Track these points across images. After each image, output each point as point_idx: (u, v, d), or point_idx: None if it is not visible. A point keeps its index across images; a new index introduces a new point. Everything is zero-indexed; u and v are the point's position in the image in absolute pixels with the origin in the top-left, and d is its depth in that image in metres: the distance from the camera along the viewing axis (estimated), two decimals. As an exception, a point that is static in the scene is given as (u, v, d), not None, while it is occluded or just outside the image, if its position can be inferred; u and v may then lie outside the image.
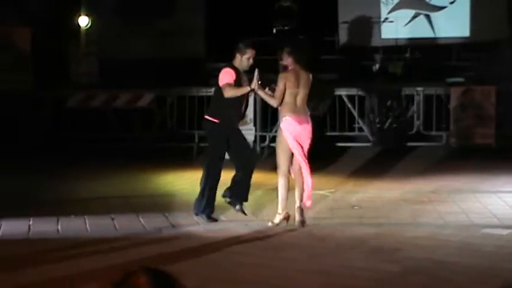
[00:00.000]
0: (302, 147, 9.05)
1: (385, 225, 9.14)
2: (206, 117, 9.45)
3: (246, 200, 9.49)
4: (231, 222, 9.36)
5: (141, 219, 9.50)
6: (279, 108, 9.28)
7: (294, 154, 9.08)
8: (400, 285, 6.94)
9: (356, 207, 10.15)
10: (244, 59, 9.31)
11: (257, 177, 10.61)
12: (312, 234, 8.74)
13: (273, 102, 9.24)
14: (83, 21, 17.51)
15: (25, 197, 11.07)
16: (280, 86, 9.04)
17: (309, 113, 9.27)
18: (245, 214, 9.44)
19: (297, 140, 9.02)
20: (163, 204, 10.40)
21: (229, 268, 7.45)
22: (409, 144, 15.39)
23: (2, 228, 9.09)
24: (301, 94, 9.10)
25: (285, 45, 9.45)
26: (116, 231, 9.04)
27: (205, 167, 9.46)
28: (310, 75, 9.21)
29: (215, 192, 9.37)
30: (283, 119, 9.10)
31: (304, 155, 9.05)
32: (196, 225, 9.19)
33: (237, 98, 9.26)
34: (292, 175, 9.19)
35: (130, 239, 8.63)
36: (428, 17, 17.77)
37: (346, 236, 8.65)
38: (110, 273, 1.75)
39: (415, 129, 15.69)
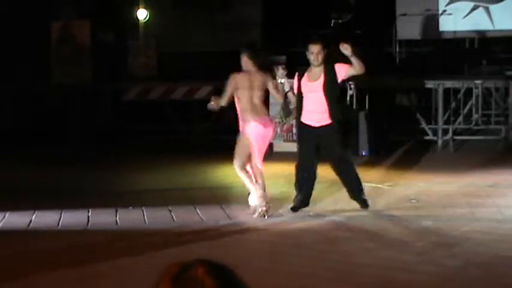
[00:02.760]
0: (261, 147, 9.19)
1: (443, 219, 9.06)
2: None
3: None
4: (287, 215, 9.37)
5: (199, 211, 9.57)
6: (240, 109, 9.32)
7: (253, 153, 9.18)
8: (460, 280, 6.87)
9: (413, 201, 10.07)
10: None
11: (323, 171, 10.59)
12: (368, 228, 8.70)
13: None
14: (142, 14, 17.65)
15: (83, 189, 11.22)
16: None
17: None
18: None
19: (259, 141, 9.15)
20: (220, 196, 10.45)
21: (285, 261, 7.45)
22: (467, 137, 15.21)
23: (61, 220, 9.23)
24: (257, 95, 9.21)
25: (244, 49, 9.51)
26: (173, 223, 9.12)
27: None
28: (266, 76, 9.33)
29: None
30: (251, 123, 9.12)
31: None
32: (253, 218, 9.21)
33: None
34: (251, 171, 9.25)
35: (188, 231, 8.69)
36: (487, 9, 17.51)
37: (403, 230, 8.59)
38: (168, 265, 1.77)
39: (473, 123, 15.49)
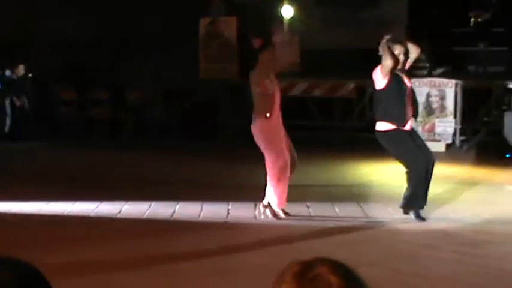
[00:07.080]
0: None
1: None
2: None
3: (425, 204, 8.93)
4: (426, 216, 9.22)
5: (336, 208, 9.57)
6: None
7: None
8: None
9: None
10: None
11: (459, 172, 10.35)
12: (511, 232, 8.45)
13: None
14: (287, 11, 17.77)
15: (226, 182, 11.41)
16: None
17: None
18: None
19: None
20: (358, 194, 10.42)
21: (421, 262, 7.32)
22: None
23: (202, 212, 9.43)
24: None
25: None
26: (310, 218, 9.15)
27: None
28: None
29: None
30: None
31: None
32: (390, 218, 9.11)
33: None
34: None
35: (324, 227, 8.70)
36: None
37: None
38: (288, 263, 1.78)
39: None
